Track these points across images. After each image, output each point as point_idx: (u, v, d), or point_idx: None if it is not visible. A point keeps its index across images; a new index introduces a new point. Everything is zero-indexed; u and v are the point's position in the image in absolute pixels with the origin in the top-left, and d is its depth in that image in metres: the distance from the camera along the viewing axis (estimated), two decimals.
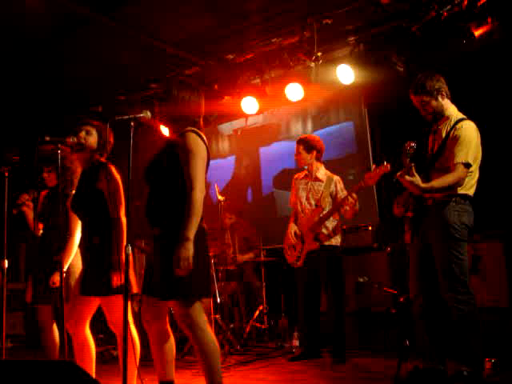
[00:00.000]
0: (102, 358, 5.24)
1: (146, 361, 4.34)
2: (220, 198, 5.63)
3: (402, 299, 4.36)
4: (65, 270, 3.49)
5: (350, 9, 4.98)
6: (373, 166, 4.37)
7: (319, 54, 5.37)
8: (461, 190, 3.35)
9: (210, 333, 2.74)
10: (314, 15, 5.17)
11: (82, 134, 3.30)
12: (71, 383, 2.00)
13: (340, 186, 4.78)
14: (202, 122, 2.98)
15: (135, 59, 5.86)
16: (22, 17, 5.03)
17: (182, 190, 2.73)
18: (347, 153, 6.31)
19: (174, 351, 2.92)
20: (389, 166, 4.26)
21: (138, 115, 2.80)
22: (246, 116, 6.82)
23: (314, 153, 4.83)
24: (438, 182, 3.31)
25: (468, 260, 3.39)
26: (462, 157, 3.29)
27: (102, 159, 3.34)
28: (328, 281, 4.70)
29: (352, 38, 5.46)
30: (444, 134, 3.44)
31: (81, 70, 5.98)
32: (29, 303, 3.83)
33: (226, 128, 7.46)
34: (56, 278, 3.49)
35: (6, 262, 3.83)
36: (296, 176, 5.04)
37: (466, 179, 3.34)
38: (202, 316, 2.74)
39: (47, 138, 3.15)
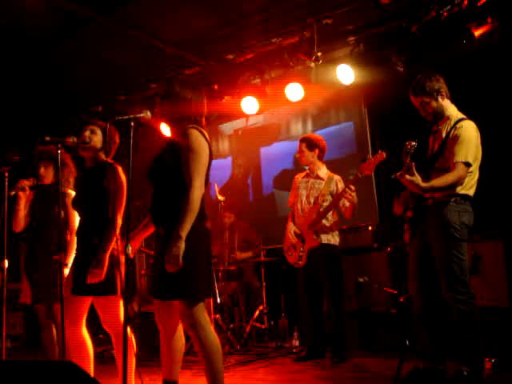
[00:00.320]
0: (101, 358, 5.24)
1: (147, 361, 4.35)
2: (220, 198, 5.63)
3: (402, 299, 4.36)
4: (69, 266, 3.50)
5: (349, 9, 4.98)
6: (368, 156, 4.38)
7: (319, 54, 5.37)
8: (461, 190, 3.35)
9: (212, 333, 2.74)
10: (314, 15, 5.16)
11: (87, 133, 3.32)
12: (71, 383, 2.00)
13: (340, 185, 4.78)
14: (204, 121, 2.97)
15: (135, 59, 5.85)
16: (22, 17, 5.03)
17: (185, 188, 2.73)
18: (347, 153, 6.31)
19: (183, 352, 2.92)
20: (384, 153, 4.29)
21: (138, 115, 2.80)
22: (247, 116, 6.82)
23: (317, 151, 4.84)
24: (438, 181, 3.31)
25: (468, 260, 3.39)
26: (462, 156, 3.29)
27: (108, 159, 3.35)
28: (327, 281, 4.70)
29: (352, 38, 5.46)
30: (444, 134, 3.44)
31: (81, 70, 5.97)
32: (28, 304, 3.82)
33: (227, 128, 7.46)
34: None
35: (6, 261, 3.82)
36: (297, 176, 5.05)
37: (466, 179, 3.34)
38: (204, 316, 2.73)
39: (47, 138, 3.16)
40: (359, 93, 6.10)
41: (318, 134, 5.25)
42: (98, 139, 3.34)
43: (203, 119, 2.96)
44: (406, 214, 3.56)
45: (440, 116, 3.50)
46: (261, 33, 5.54)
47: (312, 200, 4.81)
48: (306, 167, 5.00)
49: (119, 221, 3.17)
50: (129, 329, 3.24)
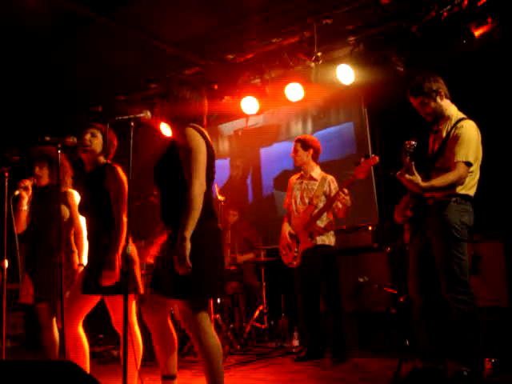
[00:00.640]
0: (101, 359, 5.24)
1: (147, 361, 4.35)
2: (220, 198, 5.63)
3: (402, 299, 4.36)
4: (85, 264, 3.54)
5: (349, 9, 4.98)
6: (361, 159, 4.42)
7: (319, 54, 5.36)
8: (461, 190, 3.35)
9: (213, 335, 2.74)
10: (314, 15, 5.16)
11: (88, 136, 3.38)
12: (71, 383, 2.00)
13: (334, 185, 4.83)
14: (205, 121, 2.97)
15: (135, 59, 5.85)
16: (22, 17, 5.03)
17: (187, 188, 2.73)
18: (347, 153, 6.30)
19: (176, 346, 2.93)
20: (377, 158, 4.33)
21: (138, 115, 2.81)
22: (247, 116, 6.82)
23: (311, 151, 4.87)
24: (438, 181, 3.31)
25: (468, 260, 3.39)
26: (463, 155, 3.29)
27: (108, 161, 3.37)
28: (323, 281, 4.71)
29: (352, 38, 5.45)
30: (444, 134, 3.44)
31: (81, 70, 5.97)
32: (30, 304, 3.82)
33: (227, 128, 7.46)
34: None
35: (6, 261, 3.82)
36: (292, 177, 5.10)
37: (467, 179, 3.34)
38: (206, 318, 2.74)
39: (47, 138, 3.17)
40: (359, 93, 6.10)
41: (314, 136, 5.27)
42: (98, 142, 3.39)
43: (204, 119, 2.96)
44: (406, 213, 3.56)
45: (440, 116, 3.50)
46: (261, 33, 5.54)
47: (306, 201, 4.84)
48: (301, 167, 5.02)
49: (125, 219, 3.18)
50: (138, 330, 3.26)
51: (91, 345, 3.73)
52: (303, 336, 5.13)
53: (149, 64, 6.05)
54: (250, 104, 6.25)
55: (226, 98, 6.38)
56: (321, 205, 4.74)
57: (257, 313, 5.76)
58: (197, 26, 5.42)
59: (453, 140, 3.36)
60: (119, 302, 3.11)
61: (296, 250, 4.79)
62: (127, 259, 2.71)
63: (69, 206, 3.78)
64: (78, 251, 3.77)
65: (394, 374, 3.48)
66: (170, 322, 2.92)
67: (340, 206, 4.65)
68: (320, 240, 4.75)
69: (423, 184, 3.24)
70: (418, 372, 3.42)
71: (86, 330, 3.36)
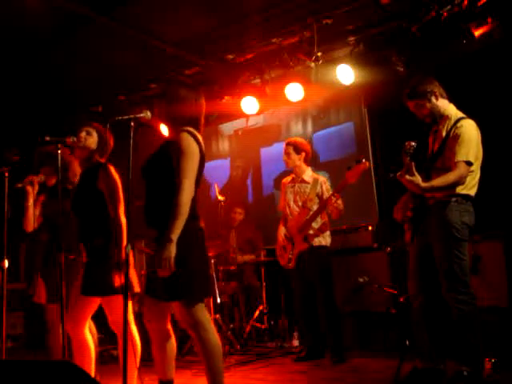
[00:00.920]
0: (101, 358, 5.24)
1: (147, 361, 4.34)
2: (220, 198, 5.63)
3: (402, 299, 4.36)
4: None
5: (349, 9, 4.97)
6: (353, 164, 4.45)
7: (319, 54, 5.36)
8: (462, 190, 3.35)
9: (213, 333, 2.74)
10: (314, 15, 5.16)
11: (83, 134, 3.34)
12: (71, 383, 2.00)
13: (325, 186, 4.87)
14: (202, 122, 2.97)
15: (135, 59, 5.85)
16: (22, 17, 5.03)
17: (175, 191, 2.72)
18: (347, 153, 6.30)
19: (175, 351, 2.93)
20: (367, 163, 4.45)
21: (138, 115, 2.81)
22: (247, 116, 6.82)
23: (303, 154, 4.92)
24: (438, 181, 3.31)
25: (468, 260, 3.39)
26: (463, 155, 3.28)
27: (102, 160, 3.35)
28: (318, 281, 4.72)
29: (352, 38, 5.45)
30: (444, 134, 3.44)
31: (81, 70, 5.97)
32: (43, 304, 3.80)
33: (227, 128, 7.45)
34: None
35: (6, 261, 3.82)
36: (284, 180, 5.12)
37: (468, 178, 3.34)
38: (205, 316, 2.74)
39: (47, 138, 3.17)
40: (359, 93, 6.10)
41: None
42: (92, 141, 3.36)
43: (201, 119, 2.96)
44: (406, 213, 3.56)
45: (438, 116, 3.50)
46: (261, 33, 5.54)
47: (300, 204, 4.87)
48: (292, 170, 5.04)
49: (123, 219, 3.18)
50: (135, 329, 3.25)
51: None
52: (303, 336, 5.13)
53: (149, 64, 6.05)
54: (250, 104, 6.25)
55: (226, 98, 6.38)
56: (315, 207, 4.78)
57: (257, 313, 5.77)
58: (197, 26, 5.42)
59: (453, 139, 3.36)
60: (115, 302, 3.12)
61: (291, 252, 4.83)
62: (127, 259, 2.72)
63: None
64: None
65: (394, 374, 3.49)
66: (170, 327, 2.91)
67: (332, 208, 4.70)
68: (316, 241, 4.77)
69: (423, 184, 3.24)
70: (418, 372, 3.42)
71: None
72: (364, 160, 4.44)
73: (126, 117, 2.77)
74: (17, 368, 2.13)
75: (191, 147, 2.76)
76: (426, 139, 3.61)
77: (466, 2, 4.61)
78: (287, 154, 4.93)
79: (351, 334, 5.18)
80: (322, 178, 4.95)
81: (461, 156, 3.29)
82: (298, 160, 4.91)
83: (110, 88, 6.46)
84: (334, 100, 6.40)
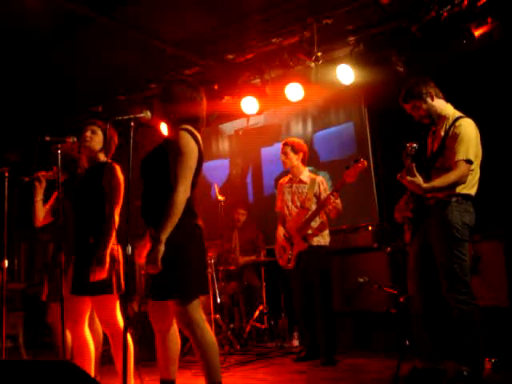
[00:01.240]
0: (101, 359, 5.23)
1: (147, 361, 4.34)
2: (220, 197, 5.63)
3: (401, 299, 4.36)
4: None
5: (350, 9, 4.97)
6: (351, 164, 4.46)
7: (319, 54, 5.36)
8: (462, 190, 3.34)
9: (208, 331, 2.74)
10: (314, 15, 5.16)
11: (88, 133, 3.35)
12: (71, 383, 2.00)
13: (323, 186, 4.86)
14: (203, 121, 2.96)
15: (135, 59, 5.85)
16: (22, 17, 5.03)
17: (171, 191, 2.72)
18: (347, 153, 6.30)
19: (179, 352, 2.93)
20: (365, 162, 4.44)
21: (138, 115, 2.81)
22: (247, 116, 6.82)
23: (301, 155, 4.92)
24: (439, 181, 3.31)
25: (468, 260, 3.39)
26: (463, 154, 3.28)
27: (107, 158, 3.36)
28: (316, 281, 4.71)
29: (352, 38, 5.45)
30: (443, 133, 3.44)
31: (81, 70, 5.97)
32: (45, 302, 3.80)
33: (227, 128, 7.45)
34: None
35: (6, 261, 3.81)
36: (281, 181, 5.11)
37: (468, 177, 3.33)
38: (199, 314, 2.73)
39: (47, 138, 3.16)
40: (359, 93, 6.10)
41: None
42: (98, 139, 3.38)
43: (201, 119, 2.95)
44: (407, 214, 3.56)
45: (436, 117, 3.50)
46: (261, 33, 5.54)
47: (298, 204, 4.86)
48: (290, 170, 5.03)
49: (116, 218, 3.18)
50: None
51: None
52: (303, 336, 5.13)
53: (149, 64, 6.05)
54: (250, 104, 6.25)
55: (226, 98, 6.38)
56: (313, 207, 4.78)
57: (257, 313, 5.77)
58: (197, 26, 5.42)
59: (452, 139, 3.36)
60: (104, 302, 3.13)
61: (290, 252, 4.82)
62: (127, 259, 2.72)
63: None
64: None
65: (394, 374, 3.48)
66: (177, 330, 2.91)
67: (331, 208, 4.69)
68: (315, 241, 4.76)
69: (425, 185, 3.24)
70: (418, 372, 3.42)
71: None
72: (362, 159, 4.45)
73: (126, 117, 2.77)
74: (17, 368, 2.13)
75: (189, 146, 2.76)
76: (424, 140, 3.61)
77: (465, 2, 4.61)
78: (285, 154, 4.93)
79: (351, 333, 5.17)
80: (320, 178, 4.94)
81: (461, 155, 3.28)
82: (295, 160, 4.91)
83: (109, 88, 6.46)
84: (334, 100, 6.40)
